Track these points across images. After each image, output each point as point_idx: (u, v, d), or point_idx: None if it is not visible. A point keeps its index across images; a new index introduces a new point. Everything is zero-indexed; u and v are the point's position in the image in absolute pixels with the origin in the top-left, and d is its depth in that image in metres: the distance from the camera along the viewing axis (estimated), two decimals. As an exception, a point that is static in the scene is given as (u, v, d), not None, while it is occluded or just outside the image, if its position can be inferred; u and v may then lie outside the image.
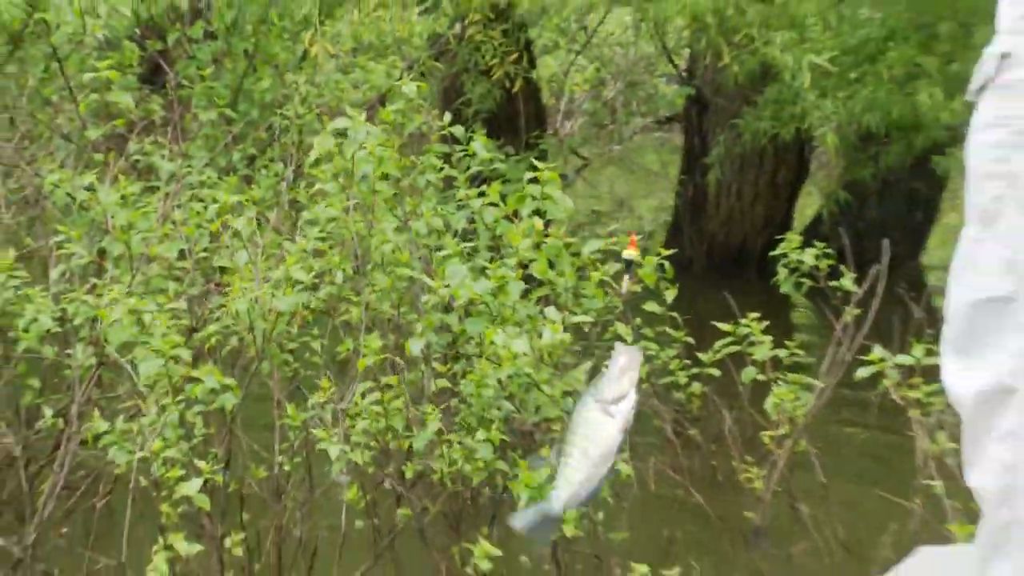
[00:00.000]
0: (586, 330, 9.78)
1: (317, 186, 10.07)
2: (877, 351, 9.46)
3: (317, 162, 10.05)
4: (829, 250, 10.46)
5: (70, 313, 9.30)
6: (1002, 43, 4.12)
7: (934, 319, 11.32)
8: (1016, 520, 4.01)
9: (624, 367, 4.34)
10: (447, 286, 8.93)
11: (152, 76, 14.25)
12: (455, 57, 15.16)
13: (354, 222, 9.70)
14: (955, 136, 14.25)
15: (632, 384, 4.28)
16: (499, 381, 8.81)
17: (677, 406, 10.57)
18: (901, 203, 16.53)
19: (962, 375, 4.18)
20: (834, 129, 13.56)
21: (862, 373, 9.41)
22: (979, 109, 4.12)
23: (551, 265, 9.67)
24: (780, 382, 9.65)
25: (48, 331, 9.22)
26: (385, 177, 9.74)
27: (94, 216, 10.06)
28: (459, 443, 8.72)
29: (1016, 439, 3.92)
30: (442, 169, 10.59)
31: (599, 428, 4.21)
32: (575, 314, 9.53)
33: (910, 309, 10.40)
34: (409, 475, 8.88)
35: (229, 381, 8.82)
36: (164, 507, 8.28)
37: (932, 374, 8.62)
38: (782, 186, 16.57)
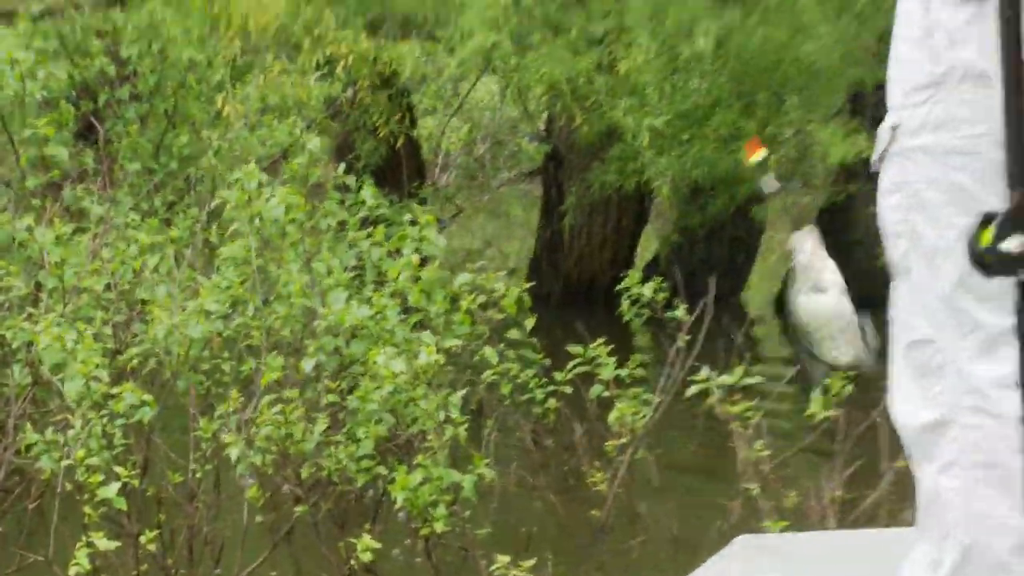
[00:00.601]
0: (457, 352, 9.82)
1: (232, 227, 10.08)
2: (704, 372, 9.67)
3: (231, 207, 9.96)
4: (664, 285, 10.53)
5: (8, 338, 9.41)
6: (893, 117, 3.83)
7: (752, 346, 11.39)
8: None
9: (807, 251, 4.18)
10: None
11: (85, 132, 14.15)
12: (347, 117, 15.16)
13: (263, 260, 9.82)
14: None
15: (822, 258, 4.17)
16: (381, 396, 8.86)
17: (535, 419, 10.63)
18: (725, 246, 16.63)
19: (904, 409, 3.97)
20: (668, 182, 13.53)
21: (691, 391, 9.67)
22: (881, 177, 3.81)
23: (427, 296, 9.82)
24: (622, 398, 9.66)
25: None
26: (292, 221, 9.78)
27: (31, 253, 10.14)
28: (344, 444, 8.89)
29: (956, 464, 3.75)
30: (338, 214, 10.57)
31: (820, 307, 4.10)
32: (447, 338, 9.58)
33: (732, 337, 10.49)
34: (304, 476, 8.95)
35: (147, 397, 8.85)
36: (87, 508, 8.27)
37: (749, 392, 9.09)
38: (625, 230, 16.85)
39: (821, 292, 3.94)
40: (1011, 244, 2.82)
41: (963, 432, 3.72)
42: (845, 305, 4.03)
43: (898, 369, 4.03)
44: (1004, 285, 2.98)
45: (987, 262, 2.84)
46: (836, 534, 6.19)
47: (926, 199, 3.66)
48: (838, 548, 5.33)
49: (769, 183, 4.29)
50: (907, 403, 3.94)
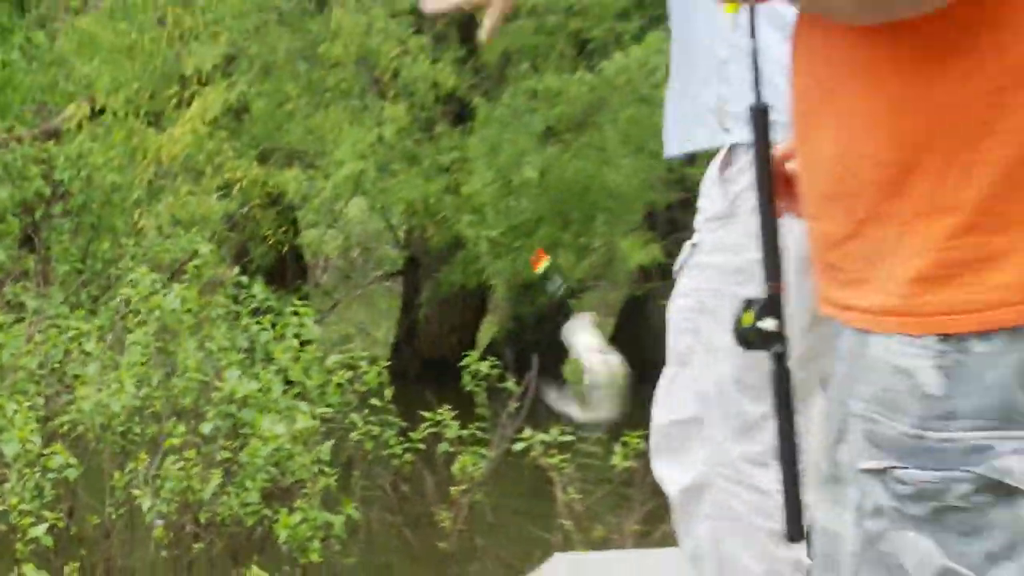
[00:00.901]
0: (330, 417, 9.76)
1: (138, 318, 9.91)
2: (528, 432, 9.78)
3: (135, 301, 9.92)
4: (498, 363, 10.69)
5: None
6: (695, 236, 3.91)
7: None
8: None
9: (580, 330, 4.04)
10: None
11: (26, 240, 13.62)
12: (243, 229, 14.52)
13: (163, 343, 9.70)
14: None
15: (589, 337, 4.06)
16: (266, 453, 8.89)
17: (394, 470, 10.50)
18: (550, 330, 15.70)
19: (668, 474, 3.96)
20: (503, 281, 13.56)
21: (518, 447, 9.78)
22: (677, 283, 3.86)
23: (306, 372, 9.90)
24: (464, 453, 9.67)
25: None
26: (188, 311, 9.70)
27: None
28: (235, 494, 8.83)
29: (711, 519, 3.82)
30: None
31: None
32: (320, 406, 9.62)
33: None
34: (203, 519, 8.94)
35: (72, 460, 8.79)
36: (19, 545, 8.26)
37: (565, 447, 9.23)
38: (469, 319, 16.68)
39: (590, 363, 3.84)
40: (767, 324, 2.67)
41: (718, 495, 3.82)
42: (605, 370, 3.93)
43: (663, 440, 4.06)
44: (766, 379, 2.87)
45: (749, 339, 2.69)
46: (638, 552, 5.81)
47: (712, 305, 3.76)
48: (639, 564, 5.30)
49: (551, 285, 4.26)
50: (671, 469, 3.99)
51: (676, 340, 3.92)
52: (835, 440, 2.36)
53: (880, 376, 2.23)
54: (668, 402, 3.92)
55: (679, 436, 3.89)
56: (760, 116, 2.61)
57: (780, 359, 2.63)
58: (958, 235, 2.14)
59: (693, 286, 3.85)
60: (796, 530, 2.69)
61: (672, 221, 14.11)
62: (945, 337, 2.16)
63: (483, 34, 3.94)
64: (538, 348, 12.72)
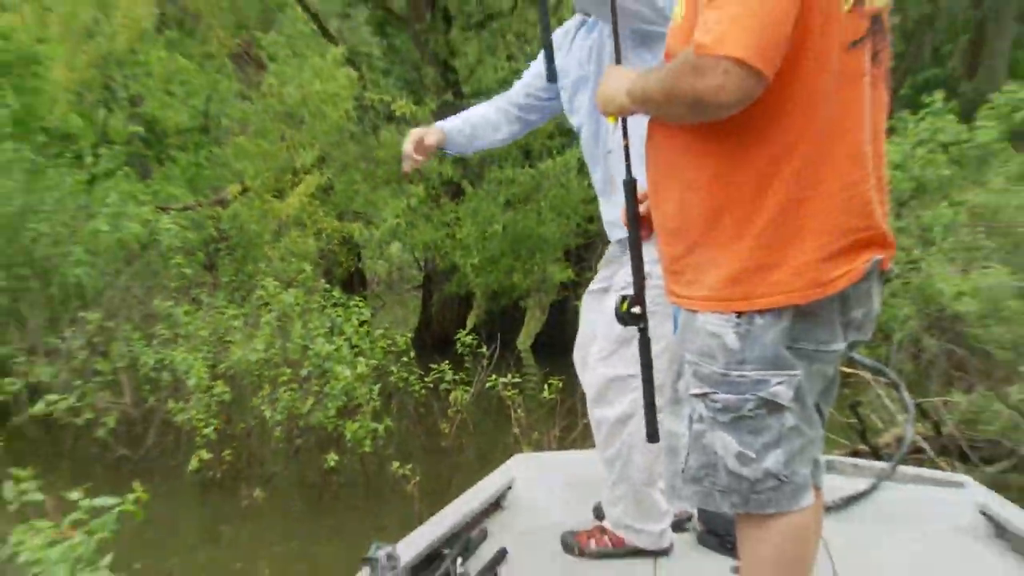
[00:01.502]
0: (377, 368, 9.74)
1: (268, 308, 9.84)
2: (494, 376, 9.39)
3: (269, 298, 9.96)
4: (477, 338, 10.57)
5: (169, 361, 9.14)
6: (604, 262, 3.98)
7: (519, 361, 11.30)
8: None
9: None
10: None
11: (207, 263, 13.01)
12: (329, 258, 14.09)
13: (282, 323, 9.65)
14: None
15: None
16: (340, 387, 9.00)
17: (415, 399, 10.25)
18: (511, 318, 15.21)
19: (602, 412, 3.73)
20: (481, 289, 13.52)
21: (488, 386, 9.48)
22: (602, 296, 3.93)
23: (363, 340, 9.82)
24: (456, 390, 9.63)
25: None
26: (297, 305, 9.81)
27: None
28: (321, 411, 8.90)
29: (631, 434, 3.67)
30: None
31: None
32: (372, 361, 9.53)
33: (510, 359, 10.58)
34: (301, 425, 8.97)
35: (227, 390, 8.90)
36: (197, 439, 8.43)
37: (516, 386, 9.11)
38: (461, 312, 15.37)
39: None
40: (635, 309, 2.86)
41: (637, 420, 3.45)
42: None
43: (601, 390, 3.78)
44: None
45: (625, 319, 2.88)
46: (569, 452, 5.60)
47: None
48: (569, 459, 5.03)
49: None
50: (605, 409, 3.72)
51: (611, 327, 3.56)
52: (676, 377, 2.63)
53: (701, 338, 2.50)
54: (608, 365, 3.69)
55: (615, 388, 3.64)
56: (630, 185, 2.87)
57: (643, 330, 2.89)
58: (747, 254, 2.42)
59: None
60: (653, 433, 2.91)
61: (579, 256, 14.04)
62: (740, 314, 2.44)
63: (405, 167, 3.97)
64: (500, 329, 12.83)
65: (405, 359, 10.01)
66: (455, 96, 13.42)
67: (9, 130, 12.07)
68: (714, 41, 2.18)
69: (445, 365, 9.65)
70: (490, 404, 9.69)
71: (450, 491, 8.22)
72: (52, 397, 8.52)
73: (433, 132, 3.95)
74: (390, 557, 3.29)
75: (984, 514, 4.03)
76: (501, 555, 3.68)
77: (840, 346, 2.52)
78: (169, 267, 11.29)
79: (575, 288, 13.46)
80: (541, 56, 3.77)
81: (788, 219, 2.38)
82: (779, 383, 2.42)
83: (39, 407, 8.54)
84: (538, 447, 8.38)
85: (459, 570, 3.49)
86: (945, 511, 4.16)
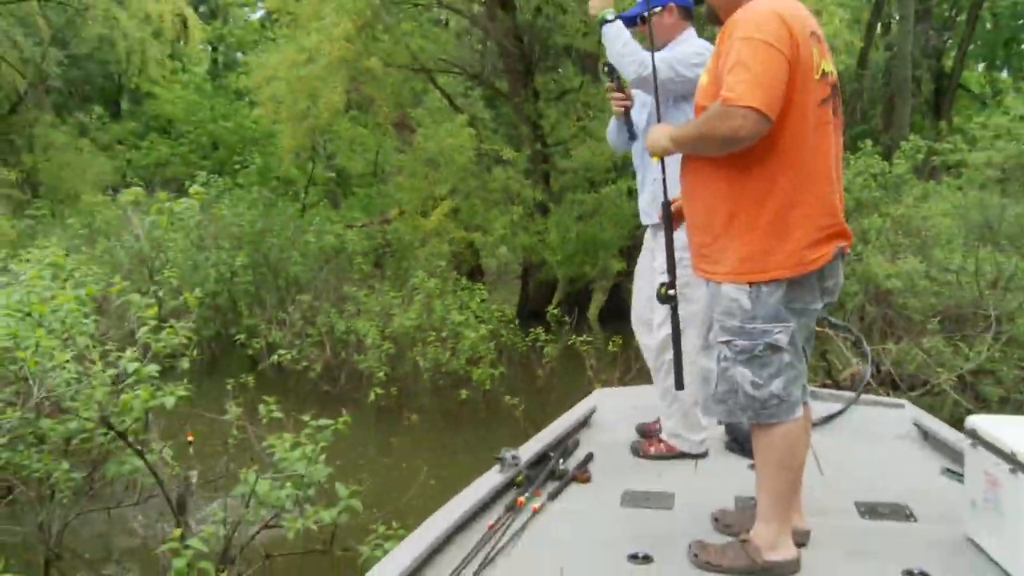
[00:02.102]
0: (492, 331, 9.48)
1: (417, 292, 9.81)
2: (574, 336, 9.19)
3: (419, 284, 9.92)
4: (561, 311, 10.37)
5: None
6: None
7: (591, 328, 11.08)
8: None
9: None
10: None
11: (375, 264, 13.15)
12: (459, 256, 14.06)
13: (427, 302, 9.57)
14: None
15: None
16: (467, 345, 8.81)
17: (519, 354, 10.00)
18: (585, 297, 14.84)
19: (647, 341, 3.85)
20: (563, 277, 13.49)
21: (570, 342, 9.24)
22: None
23: (483, 311, 9.55)
24: (547, 345, 9.42)
25: None
26: (437, 288, 9.73)
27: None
28: (456, 361, 8.70)
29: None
30: None
31: None
32: (490, 326, 9.27)
33: (584, 327, 10.32)
34: (445, 372, 8.82)
35: (391, 346, 8.88)
36: (374, 381, 8.36)
37: (588, 344, 8.80)
38: (549, 293, 14.45)
39: None
40: (670, 292, 2.85)
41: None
42: None
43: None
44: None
45: (663, 299, 2.87)
46: (642, 387, 5.44)
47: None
48: (637, 393, 4.88)
49: None
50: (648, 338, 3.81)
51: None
52: (707, 329, 2.68)
53: (724, 302, 2.58)
54: (665, 327, 3.64)
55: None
56: (667, 206, 2.91)
57: (674, 308, 2.89)
58: (755, 243, 2.52)
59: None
60: (679, 382, 2.92)
61: (629, 253, 13.68)
62: (751, 285, 2.54)
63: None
64: (576, 304, 12.79)
65: (511, 325, 9.95)
66: (542, 145, 13.38)
67: (255, 179, 12.38)
68: (737, 96, 2.35)
69: (539, 329, 9.57)
70: (570, 357, 9.43)
71: (544, 416, 8.29)
72: (282, 351, 8.83)
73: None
74: (514, 457, 3.47)
75: (916, 425, 4.18)
76: (589, 457, 3.73)
77: (819, 306, 2.62)
78: (353, 265, 11.44)
79: (627, 275, 13.38)
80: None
81: (783, 218, 2.50)
82: (779, 332, 2.52)
83: (273, 358, 8.88)
84: (606, 385, 8.14)
85: (561, 466, 3.53)
86: (891, 425, 4.27)
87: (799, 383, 2.61)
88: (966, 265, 8.05)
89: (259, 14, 25.32)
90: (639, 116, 3.84)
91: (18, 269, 5.02)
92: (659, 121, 3.05)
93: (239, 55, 24.96)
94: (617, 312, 14.48)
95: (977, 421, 2.85)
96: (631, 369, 8.54)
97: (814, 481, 2.71)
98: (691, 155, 2.68)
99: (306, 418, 4.13)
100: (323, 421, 4.14)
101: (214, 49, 25.99)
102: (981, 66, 25.78)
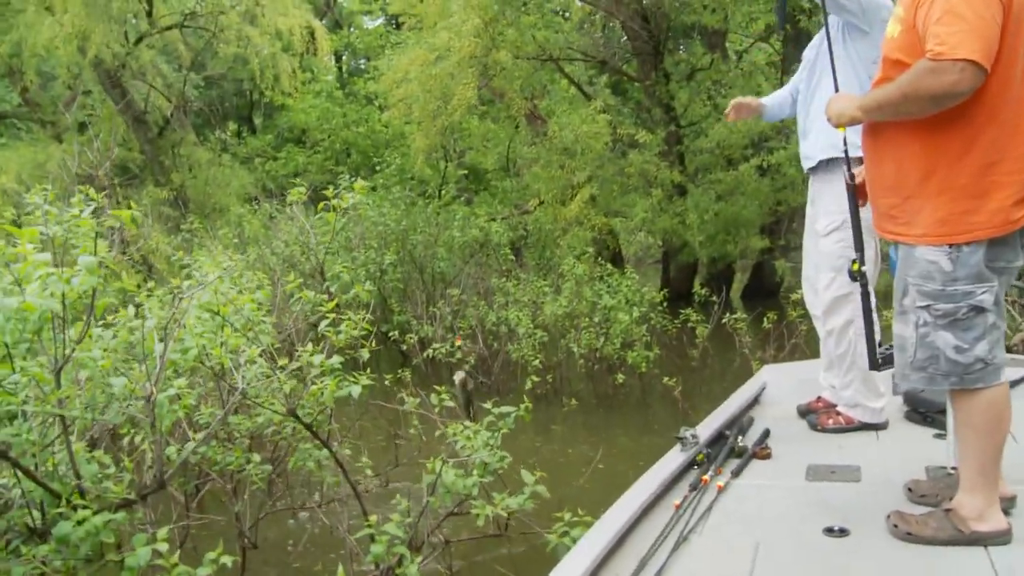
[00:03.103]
0: (643, 315, 9.44)
1: (562, 279, 9.79)
2: (727, 315, 9.05)
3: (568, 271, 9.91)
4: (705, 291, 10.16)
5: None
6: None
7: (732, 307, 10.75)
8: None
9: None
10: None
11: (515, 252, 13.14)
12: (601, 242, 13.79)
13: (563, 286, 9.58)
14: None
15: None
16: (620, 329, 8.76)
17: (669, 335, 9.88)
18: (728, 278, 14.74)
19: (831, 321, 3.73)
20: (706, 256, 13.33)
21: (723, 322, 9.32)
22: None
23: (633, 294, 9.58)
24: (698, 326, 9.24)
25: None
26: (582, 272, 9.73)
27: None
28: (586, 341, 8.64)
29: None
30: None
31: None
32: (640, 309, 9.24)
33: (725, 305, 10.11)
34: (558, 355, 8.79)
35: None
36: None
37: (742, 321, 8.58)
38: (690, 273, 15.03)
39: None
40: (862, 269, 2.84)
41: (858, 323, 3.46)
42: None
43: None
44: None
45: (854, 276, 2.87)
46: (809, 362, 5.32)
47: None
48: (810, 368, 4.67)
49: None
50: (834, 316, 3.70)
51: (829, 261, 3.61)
52: (902, 294, 2.55)
53: (921, 265, 2.45)
54: (832, 289, 3.63)
55: (840, 303, 3.61)
56: (852, 188, 2.83)
57: (864, 283, 2.87)
58: (954, 201, 2.38)
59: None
60: (873, 362, 2.88)
61: (771, 230, 13.58)
62: (951, 246, 2.40)
63: (729, 116, 3.99)
64: (718, 283, 12.59)
65: (660, 307, 9.81)
66: (676, 126, 13.24)
67: (394, 179, 12.64)
68: (950, 48, 2.16)
69: (690, 310, 9.37)
70: (721, 336, 9.28)
71: (700, 397, 8.31)
72: (436, 345, 8.82)
73: (754, 102, 4.00)
74: (693, 436, 3.44)
75: None
76: (767, 433, 3.67)
77: (1021, 262, 2.49)
78: (499, 257, 11.54)
79: (769, 252, 13.14)
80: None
81: (986, 175, 2.34)
82: (983, 292, 2.38)
83: (428, 352, 8.90)
84: (761, 362, 7.99)
85: (740, 443, 3.48)
86: None
87: (1002, 344, 2.48)
88: None
89: (380, 20, 25.91)
90: (805, 80, 3.77)
91: (200, 273, 5.22)
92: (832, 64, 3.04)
93: (364, 61, 25.56)
94: (761, 290, 14.24)
95: None
96: (784, 346, 8.39)
97: (1009, 448, 2.58)
98: (876, 128, 2.53)
99: (487, 405, 4.18)
100: (505, 408, 4.18)
101: (338, 59, 26.67)
102: None
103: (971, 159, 2.34)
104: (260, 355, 4.27)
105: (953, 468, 2.94)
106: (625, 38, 14.95)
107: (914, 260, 2.46)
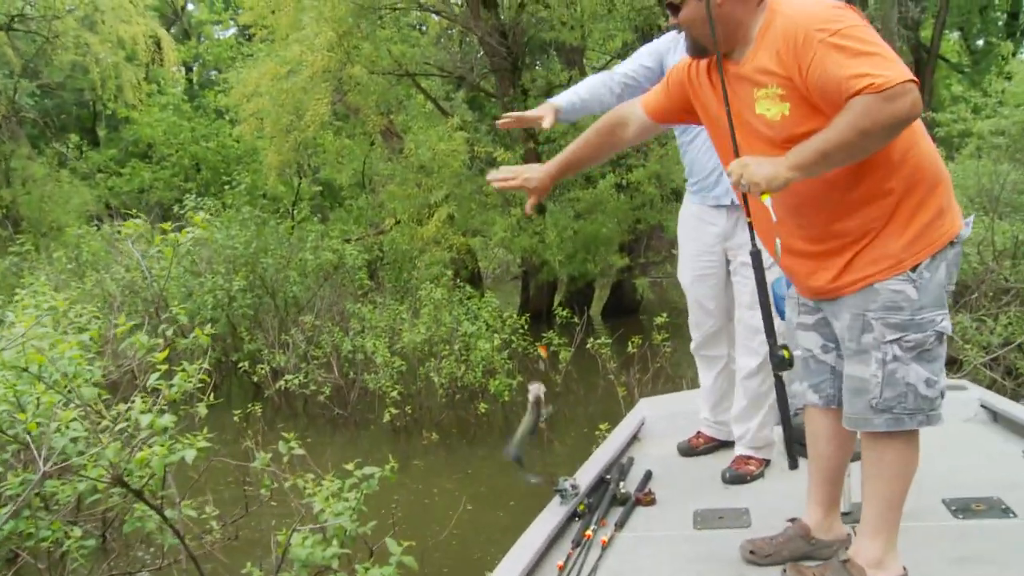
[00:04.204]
0: (505, 339, 9.12)
1: (424, 304, 9.39)
2: (590, 337, 9.03)
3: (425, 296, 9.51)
4: (565, 311, 10.02)
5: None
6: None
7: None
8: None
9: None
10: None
11: (371, 275, 12.78)
12: (459, 261, 13.43)
13: (436, 312, 9.21)
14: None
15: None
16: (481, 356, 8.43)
17: (523, 355, 9.31)
18: (588, 295, 14.35)
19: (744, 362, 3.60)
20: (565, 276, 13.15)
21: (587, 346, 9.14)
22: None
23: (490, 316, 9.23)
24: (561, 350, 8.88)
25: None
26: (441, 297, 9.35)
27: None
28: (469, 371, 8.36)
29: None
30: None
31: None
32: (503, 334, 8.90)
33: (586, 326, 9.91)
34: (460, 384, 8.42)
35: (401, 361, 8.47)
36: (387, 401, 7.97)
37: (605, 345, 8.39)
38: (550, 293, 14.36)
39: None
40: (795, 356, 2.45)
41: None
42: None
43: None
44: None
45: (778, 365, 2.38)
46: (687, 393, 5.09)
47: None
48: (689, 399, 4.52)
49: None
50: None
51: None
52: (859, 334, 2.33)
53: (884, 296, 2.27)
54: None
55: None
56: (757, 256, 2.38)
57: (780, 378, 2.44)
58: (916, 224, 2.23)
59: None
60: (793, 462, 2.52)
61: (630, 248, 13.47)
62: (913, 270, 2.25)
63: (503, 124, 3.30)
64: (577, 302, 12.46)
65: (522, 331, 9.50)
66: (534, 143, 13.05)
67: (244, 199, 12.01)
68: (888, 79, 2.00)
69: (552, 333, 9.01)
70: (583, 357, 9.04)
71: (564, 421, 8.07)
72: (289, 376, 8.50)
73: (540, 111, 3.36)
74: (573, 486, 3.19)
75: (984, 407, 4.03)
76: (649, 475, 3.46)
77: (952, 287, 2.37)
78: (354, 280, 11.08)
79: (629, 271, 13.10)
80: (644, 52, 3.55)
81: (932, 194, 2.26)
82: (943, 320, 2.28)
83: (281, 384, 8.58)
84: (628, 388, 7.89)
85: (622, 489, 3.27)
86: (956, 408, 3.98)
87: None
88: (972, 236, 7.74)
89: (231, 31, 24.93)
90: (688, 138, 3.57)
91: (15, 319, 4.62)
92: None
93: (214, 73, 24.51)
94: (621, 308, 14.22)
95: None
96: (648, 368, 8.24)
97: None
98: (807, 202, 2.31)
99: (349, 467, 3.75)
100: (368, 469, 3.76)
101: (188, 70, 25.52)
102: (955, 35, 25.54)
103: (918, 177, 2.24)
104: (80, 414, 3.76)
105: (844, 511, 2.86)
106: (482, 53, 14.70)
107: (874, 294, 2.28)
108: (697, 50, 2.40)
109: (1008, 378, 7.10)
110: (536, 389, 3.11)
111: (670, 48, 3.52)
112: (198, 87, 24.84)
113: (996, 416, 3.92)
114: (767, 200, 2.19)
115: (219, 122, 20.47)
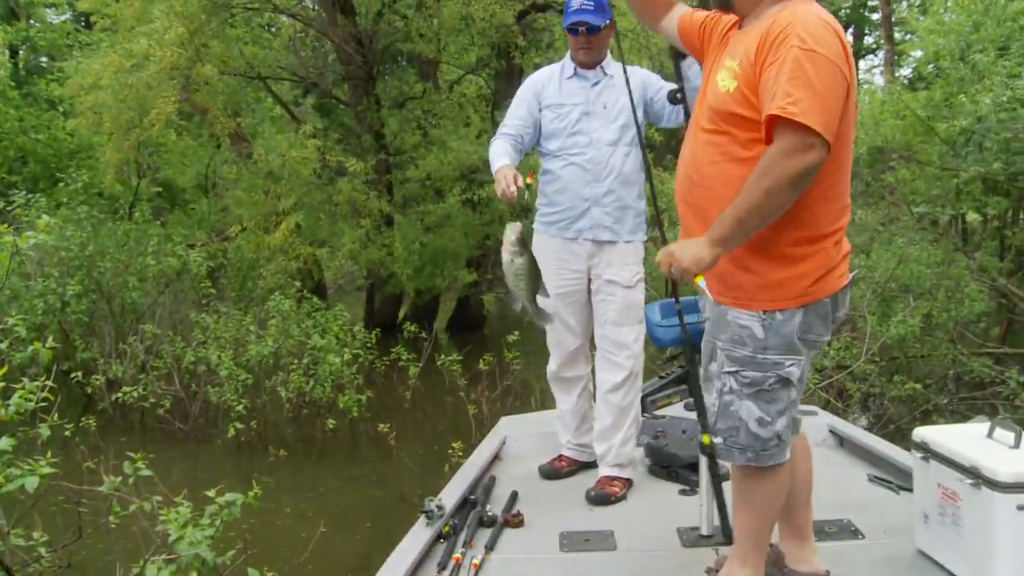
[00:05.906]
0: (354, 354, 8.98)
1: (271, 317, 9.10)
2: (439, 353, 9.11)
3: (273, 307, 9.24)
4: (413, 326, 9.91)
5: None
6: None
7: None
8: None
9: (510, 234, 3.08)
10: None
11: (213, 280, 11.98)
12: (305, 272, 12.36)
13: (283, 326, 8.93)
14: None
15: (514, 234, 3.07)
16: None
17: (368, 369, 9.36)
18: (435, 312, 14.19)
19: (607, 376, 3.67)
20: (411, 288, 12.96)
21: (437, 362, 9.04)
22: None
23: (337, 330, 9.04)
24: (411, 365, 8.74)
25: None
26: (288, 309, 9.11)
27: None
28: (316, 386, 8.17)
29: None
30: None
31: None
32: (352, 349, 8.79)
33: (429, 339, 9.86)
34: (308, 400, 8.23)
35: (245, 374, 8.23)
36: (232, 415, 7.74)
37: (456, 362, 8.35)
38: (395, 306, 14.20)
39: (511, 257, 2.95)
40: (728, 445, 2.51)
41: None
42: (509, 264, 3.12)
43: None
44: None
45: (707, 452, 2.63)
46: (547, 412, 5.20)
47: None
48: (549, 419, 4.47)
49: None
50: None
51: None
52: (708, 360, 2.42)
53: (732, 328, 2.31)
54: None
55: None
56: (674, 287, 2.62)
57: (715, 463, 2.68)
58: (776, 269, 2.26)
59: None
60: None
61: (478, 263, 13.45)
62: (765, 312, 2.27)
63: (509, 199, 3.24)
64: (423, 316, 12.41)
65: (370, 345, 9.37)
66: (385, 154, 12.93)
67: (81, 197, 11.34)
68: (801, 112, 2.01)
69: (400, 348, 8.97)
70: (431, 372, 8.92)
71: (413, 438, 8.00)
72: (126, 388, 8.08)
73: (511, 172, 3.35)
74: (439, 507, 3.22)
75: (832, 432, 4.19)
76: (515, 496, 3.53)
77: (827, 338, 2.40)
78: (197, 288, 10.65)
79: (475, 286, 13.13)
80: (516, 104, 3.65)
81: (807, 244, 2.26)
82: (791, 365, 2.29)
83: (116, 396, 8.13)
84: (478, 405, 7.86)
85: (488, 511, 3.33)
86: (809, 431, 4.23)
87: (794, 423, 2.48)
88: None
89: (67, 16, 23.46)
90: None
91: None
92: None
93: (46, 60, 22.99)
94: (466, 322, 14.21)
95: (925, 434, 2.81)
96: (497, 385, 8.29)
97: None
98: (706, 179, 2.33)
99: (211, 493, 3.59)
100: (230, 495, 3.61)
101: (14, 54, 23.84)
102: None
103: (795, 230, 2.23)
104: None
105: (705, 534, 3.03)
106: (334, 57, 14.44)
107: (726, 324, 2.33)
108: (722, 3, 2.45)
109: (839, 399, 7.55)
110: (516, 227, 3.06)
111: (544, 82, 3.64)
112: (25, 72, 23.21)
113: (843, 441, 4.09)
114: (701, 282, 2.22)
115: (51, 113, 19.17)
